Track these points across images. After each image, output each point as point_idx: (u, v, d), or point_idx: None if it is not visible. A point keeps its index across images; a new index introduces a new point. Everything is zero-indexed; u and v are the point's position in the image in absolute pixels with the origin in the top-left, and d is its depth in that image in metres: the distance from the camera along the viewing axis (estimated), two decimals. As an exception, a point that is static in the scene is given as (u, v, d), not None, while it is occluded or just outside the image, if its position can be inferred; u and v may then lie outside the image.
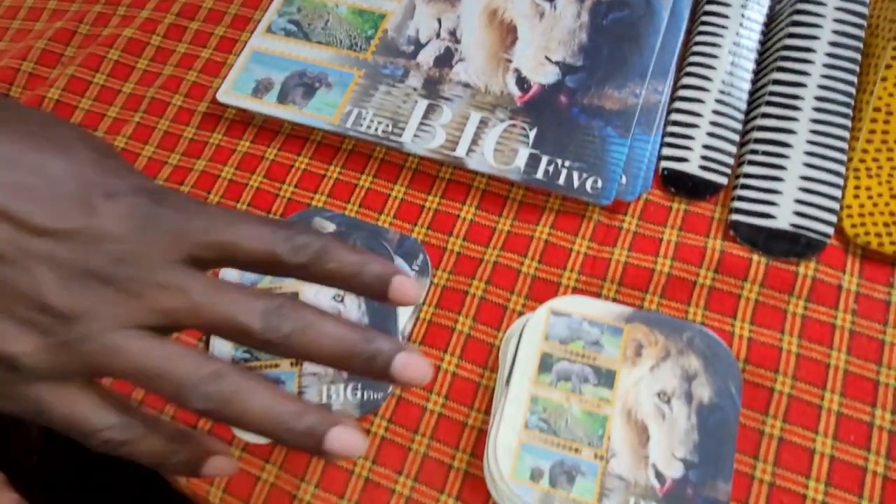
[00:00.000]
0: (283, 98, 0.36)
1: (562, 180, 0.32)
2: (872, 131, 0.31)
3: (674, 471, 0.27)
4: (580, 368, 0.29)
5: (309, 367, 0.31)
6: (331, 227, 0.34)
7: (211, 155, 0.37)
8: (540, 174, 0.32)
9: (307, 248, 0.20)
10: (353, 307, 0.31)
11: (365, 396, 0.30)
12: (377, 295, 0.20)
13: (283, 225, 0.20)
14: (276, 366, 0.31)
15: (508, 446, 0.28)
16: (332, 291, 0.31)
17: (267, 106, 0.36)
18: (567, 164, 0.32)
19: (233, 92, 0.37)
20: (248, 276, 0.33)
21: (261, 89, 0.37)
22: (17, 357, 0.18)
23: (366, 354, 0.19)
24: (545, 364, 0.29)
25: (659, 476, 0.27)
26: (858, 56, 0.32)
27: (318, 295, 0.32)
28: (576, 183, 0.32)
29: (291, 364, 0.31)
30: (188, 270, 0.19)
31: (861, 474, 0.26)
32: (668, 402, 0.28)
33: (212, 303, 0.19)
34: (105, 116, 0.40)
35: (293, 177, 0.36)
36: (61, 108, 0.40)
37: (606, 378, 0.29)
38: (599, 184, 0.31)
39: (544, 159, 0.33)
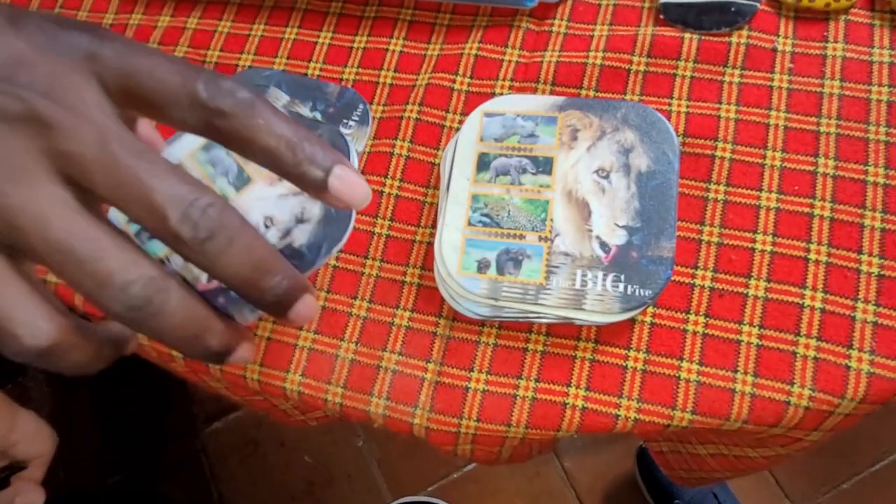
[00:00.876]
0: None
1: None
2: None
3: (617, 238, 0.27)
4: (517, 161, 0.28)
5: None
6: (284, 98, 0.32)
7: (132, 35, 0.36)
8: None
9: (234, 95, 0.16)
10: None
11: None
12: (310, 182, 0.17)
13: (205, 69, 0.17)
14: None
15: (453, 245, 0.28)
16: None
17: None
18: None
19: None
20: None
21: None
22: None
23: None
24: (482, 163, 0.28)
25: (603, 246, 0.27)
26: None
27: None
28: None
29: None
30: (107, 110, 0.16)
31: (808, 221, 0.26)
32: (607, 176, 0.28)
33: (132, 164, 0.15)
34: None
35: (217, 42, 0.35)
36: None
37: (545, 165, 0.28)
38: None
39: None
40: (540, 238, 0.28)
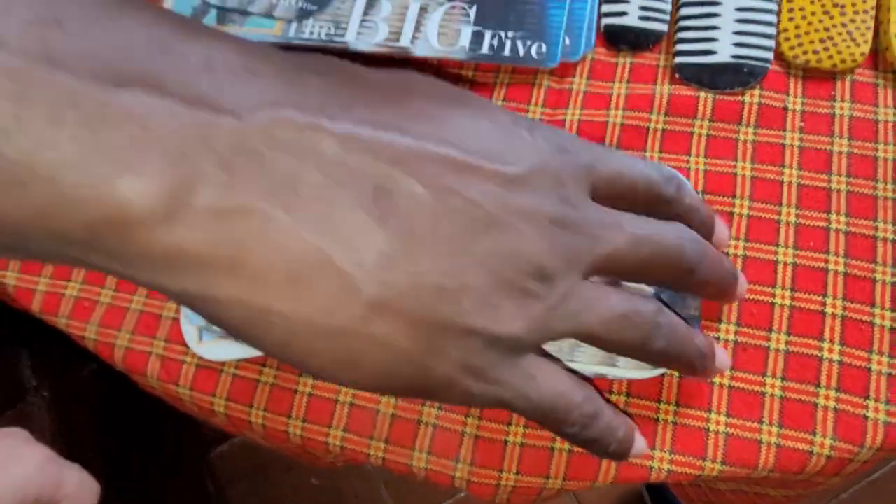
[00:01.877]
0: (221, 20, 0.36)
1: (507, 51, 0.32)
2: (801, -45, 0.31)
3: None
4: None
5: None
6: None
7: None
8: (485, 49, 0.32)
9: (676, 181, 0.19)
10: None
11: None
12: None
13: (649, 162, 0.20)
14: None
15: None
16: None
17: None
18: (510, 34, 0.33)
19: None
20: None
21: (198, 14, 0.36)
22: (514, 335, 0.16)
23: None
24: None
25: None
26: None
27: None
28: (521, 52, 0.32)
29: None
30: (599, 204, 0.18)
31: (823, 275, 0.28)
32: None
33: (645, 232, 0.18)
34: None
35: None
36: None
37: None
38: (544, 49, 0.32)
39: (488, 34, 0.33)
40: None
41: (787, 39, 0.30)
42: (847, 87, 0.30)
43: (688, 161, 0.30)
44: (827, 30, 0.30)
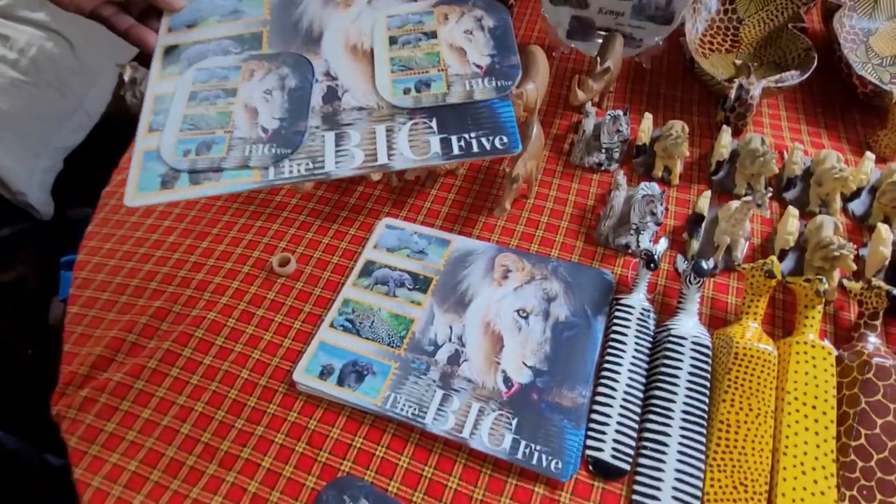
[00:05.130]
0: (195, 181, 0.38)
1: (476, 149, 0.39)
2: (720, 438, 0.47)
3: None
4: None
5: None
6: None
7: (268, 422, 0.51)
8: (456, 150, 0.39)
9: None
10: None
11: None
12: None
13: None
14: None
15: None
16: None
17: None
18: (473, 135, 0.39)
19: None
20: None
21: (168, 180, 0.39)
22: None
23: None
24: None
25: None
26: (707, 383, 0.49)
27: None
28: (487, 146, 0.39)
29: (224, 130, 0.38)
30: None
31: None
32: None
33: None
34: (187, 383, 0.54)
35: (329, 444, 0.49)
36: (156, 376, 0.54)
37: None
38: (505, 139, 0.39)
39: (454, 139, 0.39)
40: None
41: (709, 501, 0.44)
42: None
43: (636, 583, 0.42)
44: (735, 501, 0.44)
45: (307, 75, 0.44)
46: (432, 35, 0.45)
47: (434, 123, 0.39)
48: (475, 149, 0.38)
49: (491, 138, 0.38)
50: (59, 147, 1.13)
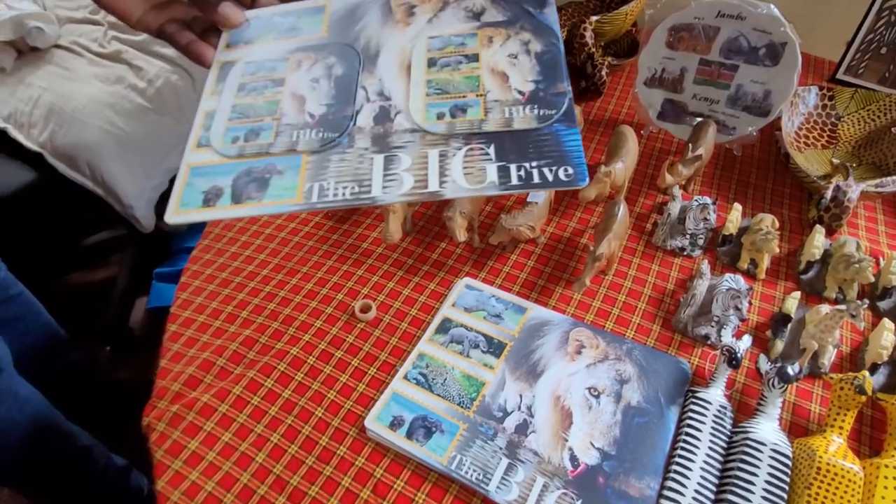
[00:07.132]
0: (237, 199, 0.37)
1: (536, 179, 0.35)
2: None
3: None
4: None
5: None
6: None
7: (337, 463, 0.53)
8: (514, 180, 0.35)
9: None
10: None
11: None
12: None
13: None
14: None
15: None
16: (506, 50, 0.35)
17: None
18: (534, 164, 0.35)
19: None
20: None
21: (211, 197, 0.37)
22: None
23: None
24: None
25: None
26: (785, 495, 0.47)
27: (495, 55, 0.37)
28: (550, 177, 0.35)
29: (272, 117, 0.37)
30: None
31: None
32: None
33: None
34: (266, 414, 0.57)
35: (392, 496, 0.51)
36: (239, 402, 0.58)
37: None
38: (570, 171, 0.34)
39: (513, 167, 0.35)
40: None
41: None
42: None
43: None
44: None
45: (353, 63, 0.43)
46: (474, 58, 0.42)
47: (492, 150, 0.36)
48: (536, 179, 0.34)
49: (554, 169, 0.34)
50: (168, 168, 1.24)
